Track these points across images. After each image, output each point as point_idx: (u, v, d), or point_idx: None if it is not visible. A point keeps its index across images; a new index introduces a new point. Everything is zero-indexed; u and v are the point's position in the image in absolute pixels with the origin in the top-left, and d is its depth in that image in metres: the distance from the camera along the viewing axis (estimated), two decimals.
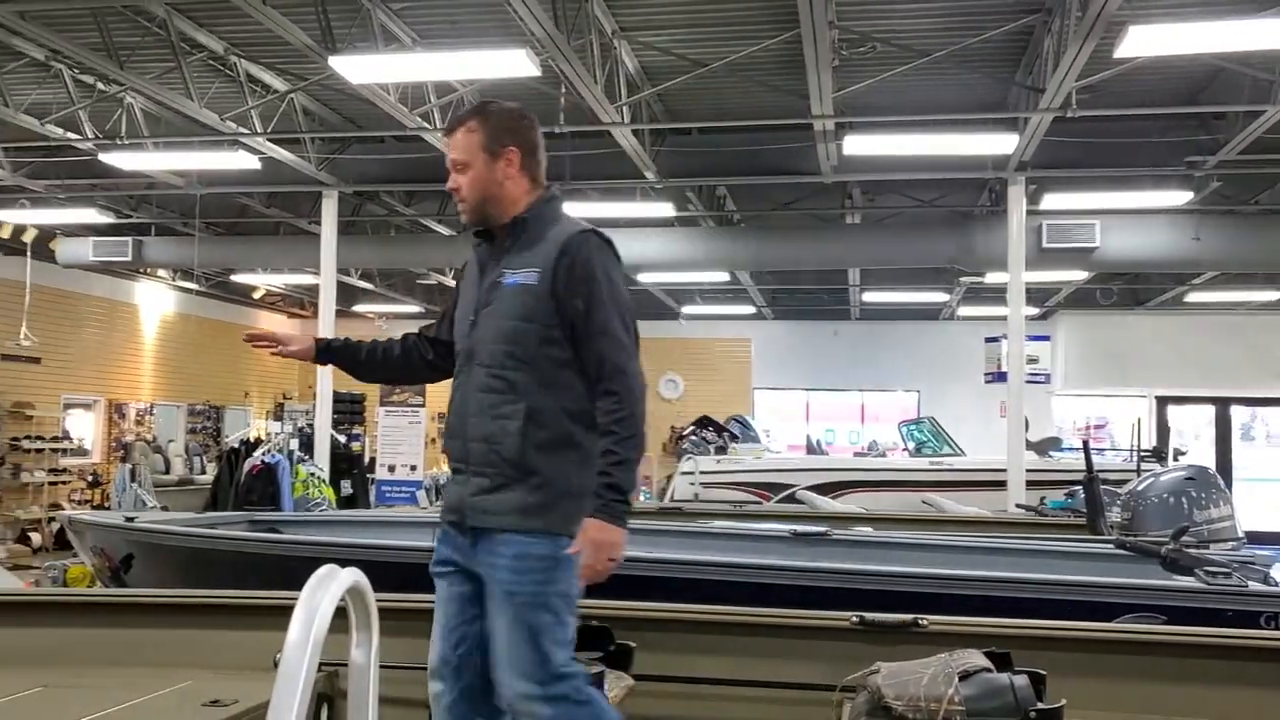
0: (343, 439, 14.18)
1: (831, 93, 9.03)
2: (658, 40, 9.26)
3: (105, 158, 11.27)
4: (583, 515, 2.78)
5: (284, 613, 3.25)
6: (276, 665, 1.79)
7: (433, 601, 3.09)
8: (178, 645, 4.04)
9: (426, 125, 10.23)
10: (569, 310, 2.85)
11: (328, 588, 1.91)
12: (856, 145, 10.34)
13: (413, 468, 14.97)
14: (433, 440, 21.94)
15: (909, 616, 3.72)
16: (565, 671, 2.78)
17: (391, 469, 14.79)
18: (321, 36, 8.66)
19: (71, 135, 10.90)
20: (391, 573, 5.11)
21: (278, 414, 18.07)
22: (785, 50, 8.95)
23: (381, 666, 3.70)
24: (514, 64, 8.33)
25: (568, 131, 10.28)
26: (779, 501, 12.30)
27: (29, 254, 14.79)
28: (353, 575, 1.98)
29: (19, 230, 14.42)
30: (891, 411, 21.21)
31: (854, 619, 3.75)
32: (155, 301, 19.59)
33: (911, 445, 15.96)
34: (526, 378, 2.87)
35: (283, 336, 3.33)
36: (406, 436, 14.83)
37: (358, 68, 8.66)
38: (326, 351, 3.32)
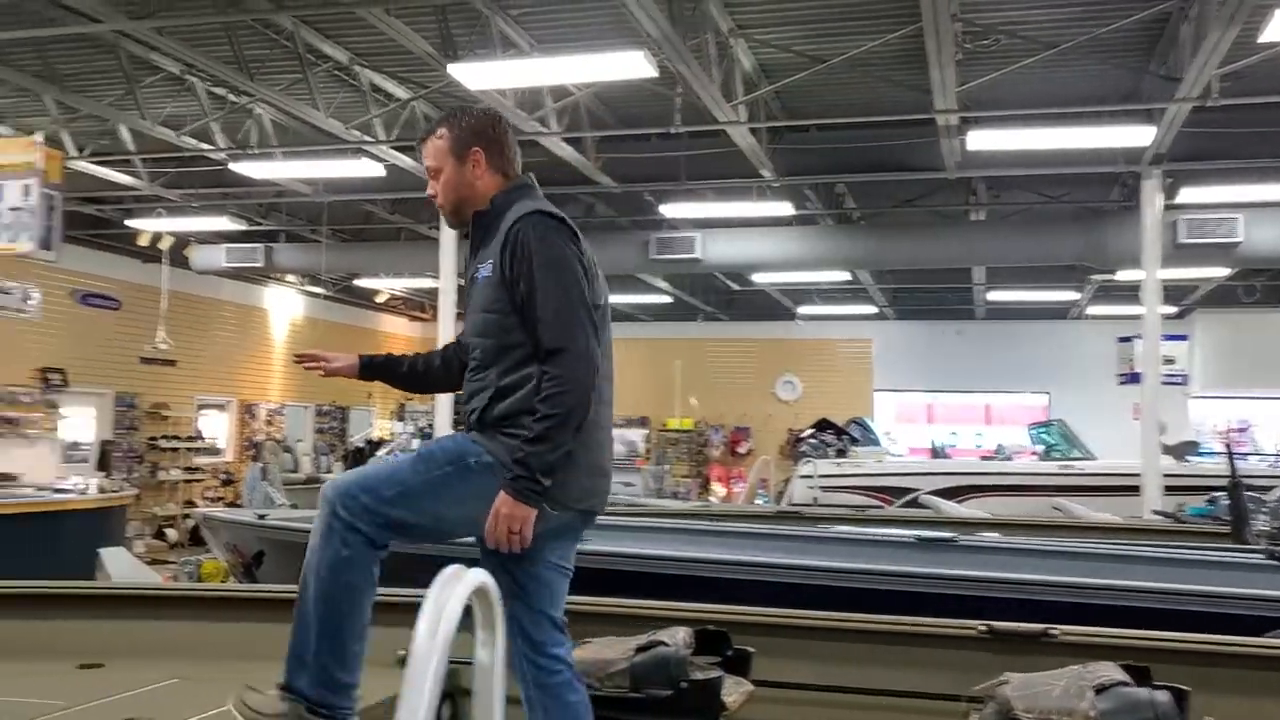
0: None
1: (955, 87, 8.82)
2: (775, 37, 9.15)
3: (236, 167, 11.65)
4: (504, 448, 2.82)
5: (409, 610, 3.28)
6: (401, 661, 1.80)
7: None
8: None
9: (543, 129, 10.31)
10: (517, 295, 2.88)
11: (454, 588, 1.90)
12: (981, 140, 10.08)
13: None
14: None
15: (1039, 626, 3.58)
16: (360, 517, 2.81)
17: None
18: (442, 44, 8.81)
19: (205, 146, 11.29)
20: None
21: (399, 414, 18.44)
22: (906, 44, 8.76)
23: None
24: (631, 66, 8.33)
25: (683, 131, 10.26)
26: (901, 506, 12.03)
27: (166, 261, 15.39)
28: (479, 576, 1.97)
29: (156, 238, 15.02)
30: (1019, 414, 20.67)
31: (981, 628, 3.62)
32: (283, 305, 20.21)
33: (1040, 448, 15.49)
34: (499, 366, 2.91)
35: (328, 356, 3.43)
36: None
37: (476, 74, 8.76)
38: (369, 367, 3.40)
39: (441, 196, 3.15)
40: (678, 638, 3.50)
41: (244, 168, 11.68)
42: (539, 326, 2.84)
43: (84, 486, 11.43)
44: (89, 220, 14.79)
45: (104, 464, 12.69)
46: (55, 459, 14.87)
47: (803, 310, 21.34)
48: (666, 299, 20.16)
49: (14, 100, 10.72)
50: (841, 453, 15.85)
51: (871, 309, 20.91)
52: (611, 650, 3.49)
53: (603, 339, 2.97)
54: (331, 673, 2.85)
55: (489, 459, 2.86)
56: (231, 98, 10.76)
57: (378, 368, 3.42)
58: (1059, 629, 3.56)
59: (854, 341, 22.51)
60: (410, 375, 3.42)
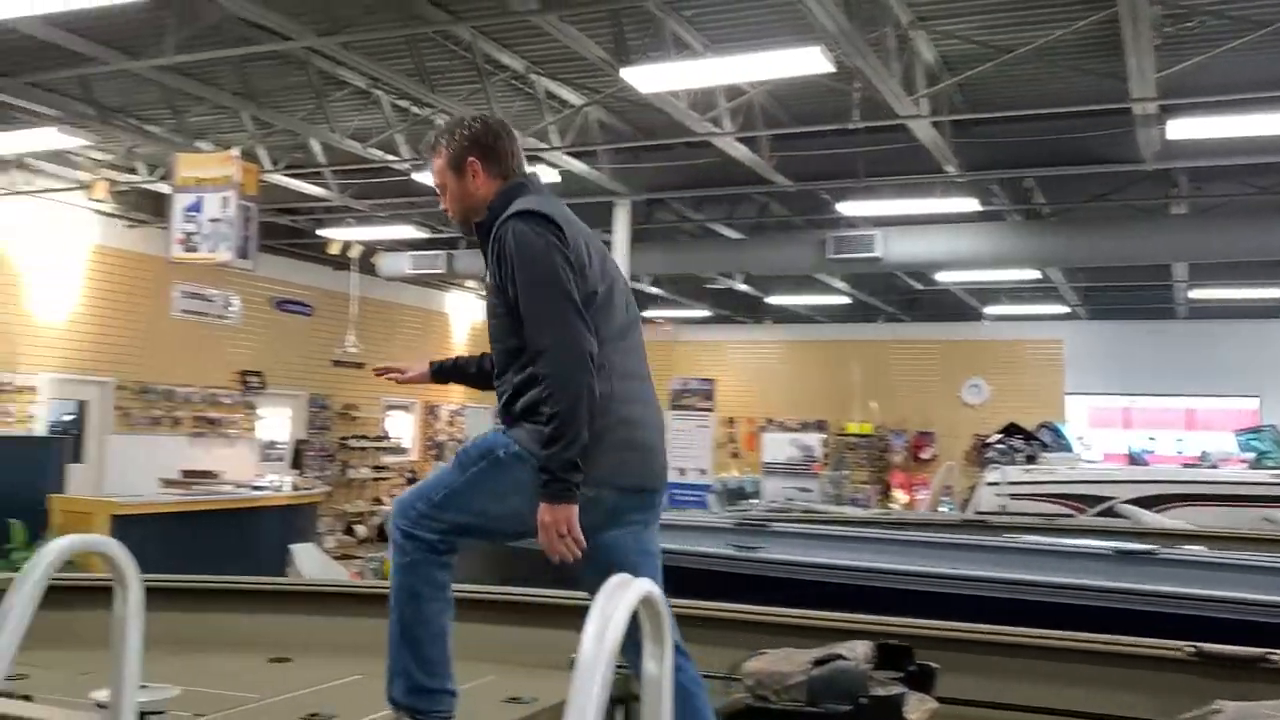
0: None
1: (1153, 73, 8.30)
2: (958, 28, 8.82)
3: (418, 176, 12.01)
4: (529, 437, 2.87)
5: (582, 614, 3.28)
6: (573, 664, 1.78)
7: (722, 608, 3.15)
8: (483, 640, 4.13)
9: (716, 130, 10.23)
10: (510, 298, 2.91)
11: (621, 597, 1.85)
12: (1182, 129, 9.48)
13: (702, 471, 15.09)
14: (721, 444, 22.20)
15: (1256, 651, 3.28)
16: (418, 525, 2.91)
17: (681, 472, 14.96)
18: (615, 49, 8.83)
19: (390, 157, 11.67)
20: (679, 578, 5.08)
21: None
22: (1099, 31, 8.30)
23: None
24: (807, 62, 8.18)
25: (862, 127, 10.02)
26: (1095, 515, 11.44)
27: (355, 268, 16.03)
28: (645, 586, 1.91)
29: (346, 246, 15.66)
30: (1225, 419, 19.45)
31: (1188, 650, 3.35)
32: (463, 309, 20.77)
33: (1250, 456, 14.50)
34: (512, 367, 2.96)
35: (402, 366, 3.59)
36: (695, 440, 14.96)
37: (648, 77, 8.75)
38: (440, 372, 3.53)
39: (451, 210, 3.21)
40: (858, 651, 3.36)
41: (426, 177, 11.99)
42: (525, 328, 2.86)
43: (279, 484, 12.00)
44: (284, 230, 15.54)
45: (297, 462, 13.35)
46: (254, 457, 15.71)
47: (990, 310, 20.62)
48: (845, 300, 19.82)
49: (215, 117, 11.31)
50: (1031, 459, 15.25)
51: (1063, 308, 20.01)
52: (788, 663, 3.38)
53: (613, 318, 2.97)
54: (416, 679, 2.95)
55: (516, 448, 2.90)
56: (414, 110, 11.08)
57: (448, 371, 3.53)
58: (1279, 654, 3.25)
59: (1044, 342, 21.60)
60: (480, 374, 3.45)
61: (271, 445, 16.54)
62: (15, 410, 13.12)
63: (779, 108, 10.81)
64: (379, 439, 17.65)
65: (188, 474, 12.62)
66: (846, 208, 13.18)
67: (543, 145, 11.05)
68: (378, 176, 13.02)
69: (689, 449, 15.48)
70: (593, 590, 2.76)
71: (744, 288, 19.35)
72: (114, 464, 14.06)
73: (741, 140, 10.77)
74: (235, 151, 8.53)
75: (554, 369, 2.79)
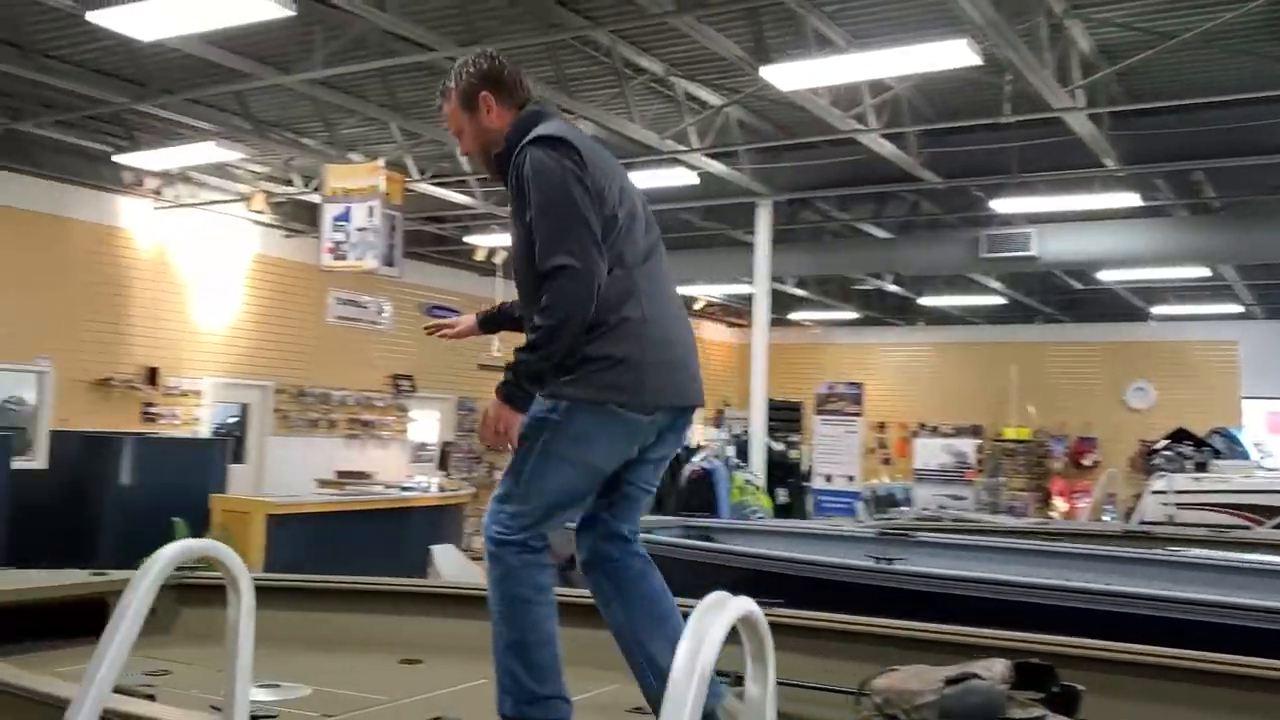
0: (779, 446, 14.22)
1: None
2: (1115, 15, 8.40)
3: None
4: (571, 383, 2.85)
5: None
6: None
7: (851, 620, 3.18)
8: (610, 648, 4.07)
9: (860, 127, 9.99)
10: (528, 225, 2.88)
11: (717, 616, 1.74)
12: None
13: (850, 478, 14.76)
14: (871, 450, 21.74)
15: None
16: (503, 535, 2.90)
17: (829, 478, 14.68)
18: (754, 48, 8.70)
19: None
20: (811, 589, 4.92)
21: (717, 420, 18.57)
22: (1272, 11, 7.77)
23: (791, 684, 3.54)
24: (953, 55, 7.93)
25: (1014, 121, 9.64)
26: (1273, 528, 10.72)
27: (499, 274, 16.27)
28: (744, 605, 1.79)
29: (490, 253, 15.90)
30: None
31: None
32: None
33: None
34: (530, 296, 2.90)
35: (450, 321, 3.68)
36: (844, 445, 14.65)
37: (789, 75, 8.60)
38: (488, 320, 3.54)
39: (470, 150, 3.19)
40: (995, 670, 3.14)
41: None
42: (537, 248, 2.82)
43: (426, 485, 12.24)
44: (432, 238, 15.92)
45: (444, 464, 13.64)
46: (405, 459, 16.11)
47: (1157, 310, 19.64)
48: (1000, 300, 19.21)
49: (365, 129, 11.63)
50: (1201, 466, 14.42)
51: (1236, 308, 18.90)
52: (919, 681, 3.18)
53: (636, 242, 2.96)
54: (526, 686, 2.89)
55: (564, 404, 2.88)
56: None
57: (495, 318, 3.53)
58: None
59: (1216, 344, 20.43)
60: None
61: (422, 447, 16.94)
62: (182, 413, 13.78)
63: (926, 103, 10.50)
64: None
65: (342, 474, 13.02)
66: (1000, 205, 12.80)
67: (681, 147, 10.98)
68: None
69: (836, 454, 15.17)
70: (593, 508, 3.03)
71: (894, 289, 18.92)
72: (273, 464, 14.63)
73: (888, 137, 10.52)
74: (381, 162, 8.73)
75: (557, 288, 2.76)
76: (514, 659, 2.89)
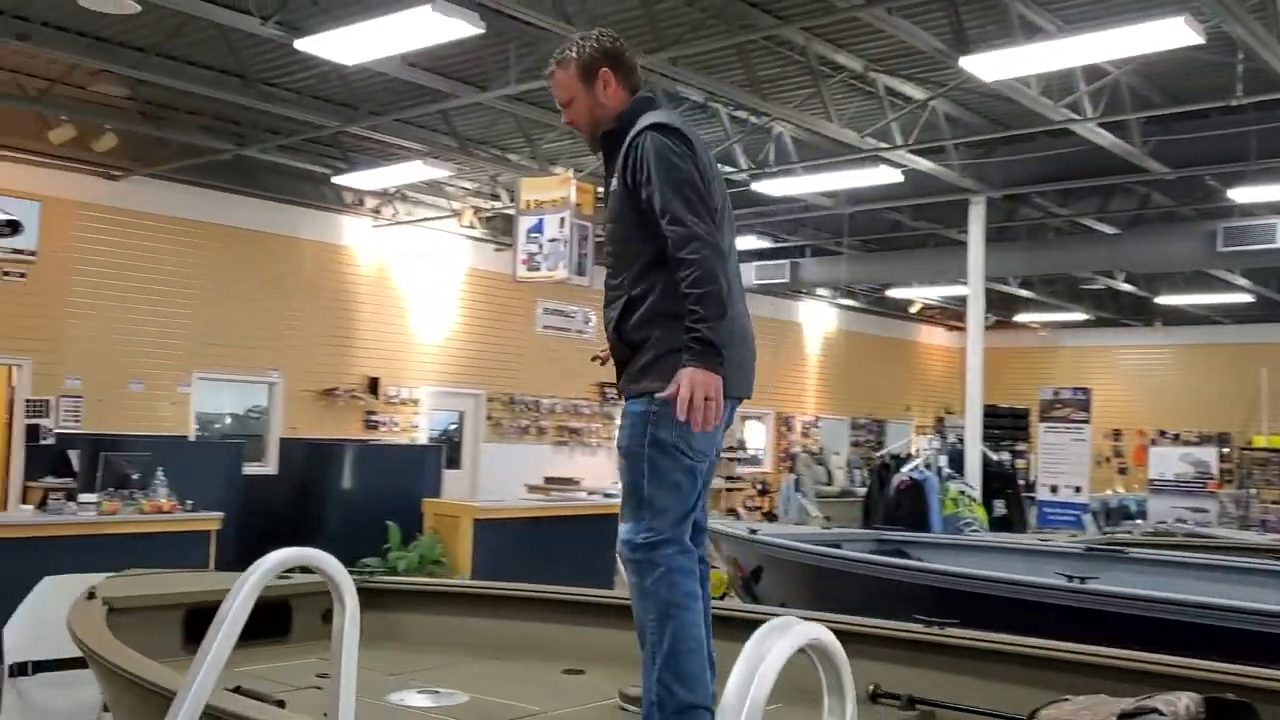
0: (994, 455, 13.55)
1: None
2: None
3: (757, 186, 11.95)
4: (665, 377, 2.88)
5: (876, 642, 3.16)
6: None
7: (1021, 642, 3.07)
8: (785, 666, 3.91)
9: (1075, 116, 9.41)
10: (642, 203, 2.97)
11: (777, 640, 1.58)
12: None
13: (1077, 488, 13.89)
14: (1106, 459, 20.51)
15: None
16: (651, 537, 2.92)
17: (1053, 489, 13.87)
18: (953, 39, 8.32)
19: (728, 168, 11.70)
20: (997, 607, 4.60)
21: (938, 428, 17.95)
22: None
23: (954, 708, 3.29)
24: (1172, 34, 7.34)
25: (1249, 103, 8.87)
26: None
27: None
28: (812, 632, 1.63)
29: None
30: None
31: None
32: (817, 319, 20.54)
33: None
34: (629, 273, 3.05)
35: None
36: (1069, 454, 13.81)
37: (990, 64, 8.19)
38: None
39: (579, 122, 3.24)
40: (1179, 705, 2.82)
41: (764, 186, 11.94)
42: (664, 227, 2.91)
43: None
44: None
45: None
46: (612, 465, 16.29)
47: None
48: (1246, 298, 17.78)
49: (565, 143, 11.85)
50: None
51: None
52: (1091, 714, 2.89)
53: (725, 240, 3.02)
54: (677, 695, 2.86)
55: (654, 405, 2.91)
56: (753, 119, 11.03)
57: None
58: None
59: None
60: None
61: None
62: (401, 421, 14.40)
63: (1150, 88, 9.81)
64: (732, 449, 17.78)
65: (550, 480, 13.28)
66: (1239, 194, 11.86)
67: (884, 145, 10.64)
68: None
69: (1061, 464, 14.32)
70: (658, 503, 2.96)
71: (1127, 287, 17.80)
72: (487, 470, 15.10)
73: (1107, 126, 9.86)
74: (570, 173, 8.85)
75: (697, 256, 2.85)
76: (666, 670, 2.86)
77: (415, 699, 3.63)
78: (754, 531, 6.58)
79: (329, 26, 7.84)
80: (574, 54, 3.18)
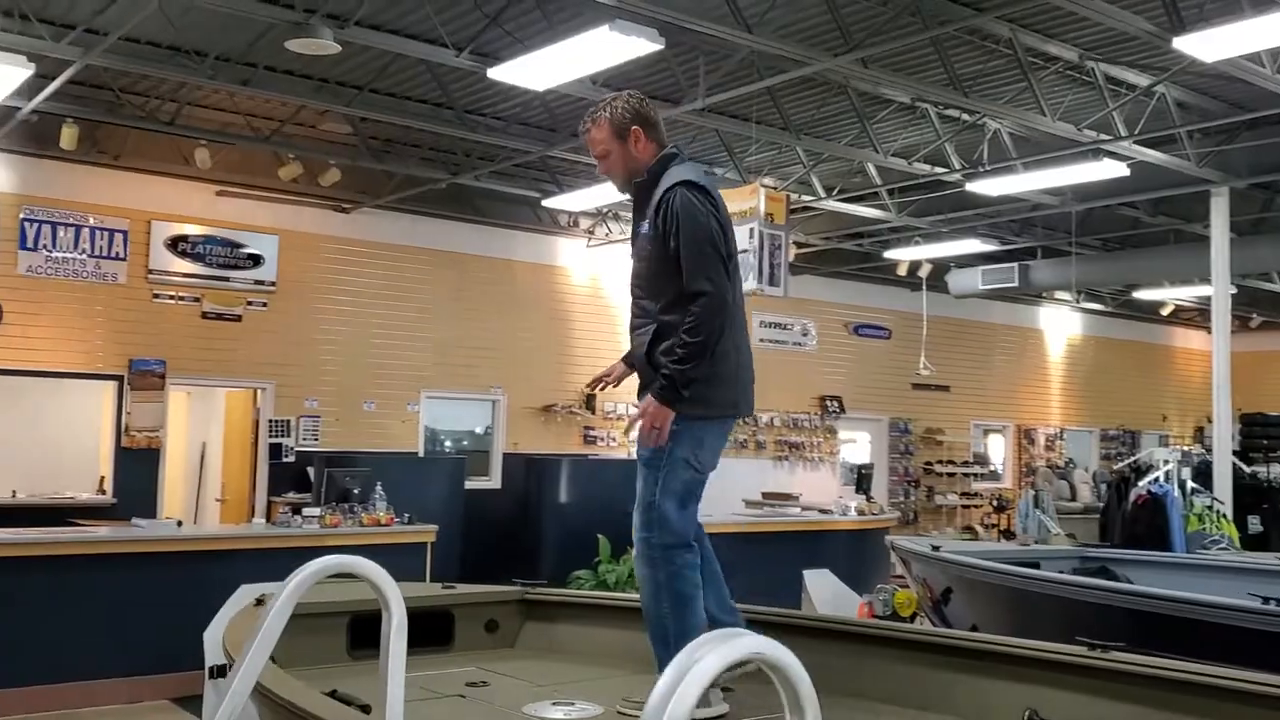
0: (1248, 468, 12.39)
1: None
2: None
3: (970, 186, 11.44)
4: (685, 399, 3.48)
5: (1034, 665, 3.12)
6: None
7: (1192, 670, 2.96)
8: (938, 688, 3.71)
9: None
10: (670, 249, 3.51)
11: (706, 656, 1.48)
12: None
13: None
14: None
15: None
16: (667, 539, 3.53)
17: None
18: (1167, 20, 7.68)
19: (938, 169, 11.26)
20: (1213, 633, 4.20)
21: (1197, 437, 16.66)
22: None
23: None
24: None
25: None
26: None
27: (924, 288, 15.70)
28: (759, 647, 1.52)
29: (915, 266, 15.36)
30: None
31: None
32: (1059, 325, 19.46)
33: None
34: (653, 304, 3.62)
35: (607, 370, 4.09)
36: None
37: (1209, 43, 7.50)
38: (635, 361, 3.87)
39: (614, 172, 3.78)
40: None
41: (979, 186, 11.40)
42: (685, 275, 3.47)
43: (845, 508, 12.02)
44: (855, 255, 15.66)
45: (861, 486, 13.20)
46: (835, 481, 15.97)
47: None
48: None
49: (769, 154, 11.74)
50: None
51: None
52: None
53: (735, 280, 3.60)
54: None
55: (684, 419, 3.50)
56: (965, 117, 10.57)
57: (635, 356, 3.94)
58: None
59: None
60: None
61: (853, 469, 16.71)
62: (619, 436, 14.58)
63: None
64: (967, 464, 17.07)
65: (767, 495, 13.14)
66: None
67: (1106, 137, 9.94)
68: (931, 191, 12.65)
69: None
70: (666, 509, 3.57)
71: None
72: (708, 484, 15.04)
73: None
74: (758, 182, 8.75)
75: (704, 310, 3.44)
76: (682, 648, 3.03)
77: (549, 710, 3.65)
78: (937, 548, 6.25)
79: (519, 53, 8.06)
80: (607, 114, 3.70)
